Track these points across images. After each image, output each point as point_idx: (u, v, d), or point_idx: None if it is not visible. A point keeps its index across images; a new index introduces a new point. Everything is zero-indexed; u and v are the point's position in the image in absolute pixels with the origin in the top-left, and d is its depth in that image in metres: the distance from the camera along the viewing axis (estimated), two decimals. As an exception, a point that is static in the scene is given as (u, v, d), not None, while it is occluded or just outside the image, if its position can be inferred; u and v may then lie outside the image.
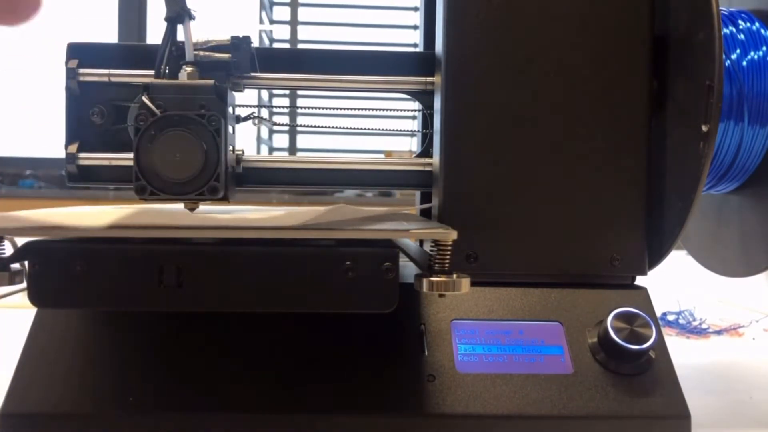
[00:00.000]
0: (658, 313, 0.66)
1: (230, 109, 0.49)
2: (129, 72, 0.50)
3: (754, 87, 0.49)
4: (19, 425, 0.41)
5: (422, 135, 0.55)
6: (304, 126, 0.61)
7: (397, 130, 0.62)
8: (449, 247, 0.40)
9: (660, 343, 0.45)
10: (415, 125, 0.60)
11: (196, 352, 0.44)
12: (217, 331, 0.44)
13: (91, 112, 0.50)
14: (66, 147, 0.50)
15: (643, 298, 0.48)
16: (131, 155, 0.45)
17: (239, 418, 0.42)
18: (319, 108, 0.57)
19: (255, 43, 0.50)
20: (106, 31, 2.63)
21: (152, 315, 0.44)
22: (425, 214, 0.56)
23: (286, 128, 2.70)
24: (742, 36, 0.51)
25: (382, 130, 0.60)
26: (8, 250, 0.41)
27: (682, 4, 0.48)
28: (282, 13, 2.68)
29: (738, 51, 0.50)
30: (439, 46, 0.49)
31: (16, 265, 0.41)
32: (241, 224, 0.38)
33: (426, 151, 0.54)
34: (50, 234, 0.39)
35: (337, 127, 0.59)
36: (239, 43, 0.49)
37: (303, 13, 2.67)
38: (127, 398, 0.42)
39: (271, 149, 2.68)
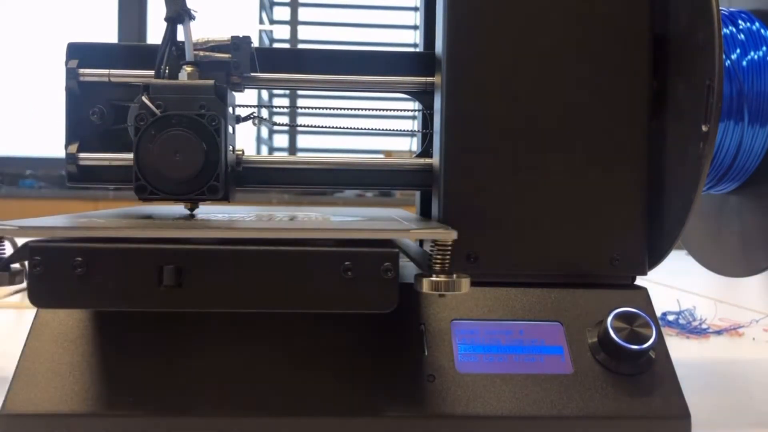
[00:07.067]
0: (658, 313, 0.66)
1: (230, 109, 0.49)
2: (129, 72, 0.50)
3: (754, 87, 0.49)
4: (19, 425, 0.41)
5: (422, 135, 0.55)
6: (304, 126, 0.61)
7: (397, 130, 0.62)
8: (449, 247, 0.40)
9: (660, 343, 0.45)
10: (415, 125, 0.60)
11: (196, 352, 0.44)
12: (217, 331, 0.44)
13: (91, 112, 0.50)
14: (66, 147, 0.50)
15: (643, 298, 0.48)
16: (131, 155, 0.45)
17: (238, 418, 0.42)
18: (319, 108, 0.57)
19: (255, 43, 0.50)
20: (106, 31, 2.63)
21: (152, 315, 0.44)
22: (425, 214, 0.56)
23: (286, 128, 2.70)
24: (742, 36, 0.51)
25: (382, 130, 0.60)
26: (8, 250, 0.41)
27: (682, 4, 0.47)
28: (282, 13, 2.68)
29: (738, 51, 0.50)
30: (439, 46, 0.49)
31: (16, 265, 0.41)
32: None
33: (426, 151, 0.54)
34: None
35: (337, 127, 0.59)
36: (239, 43, 0.49)
37: (303, 13, 2.67)
38: (127, 398, 0.42)
39: (271, 149, 2.68)
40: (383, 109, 0.59)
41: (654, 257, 0.50)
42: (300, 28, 2.67)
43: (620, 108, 0.48)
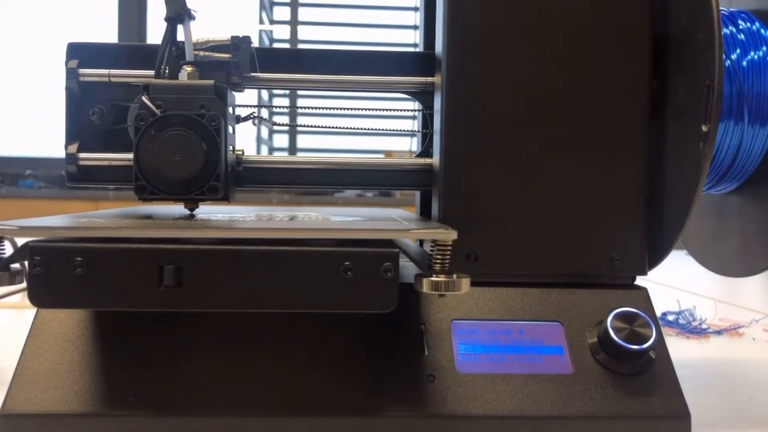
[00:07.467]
0: (658, 313, 0.66)
1: (230, 109, 0.49)
2: (129, 72, 0.50)
3: (754, 87, 0.49)
4: (19, 425, 0.41)
5: (422, 135, 0.55)
6: (304, 126, 0.61)
7: (397, 130, 0.62)
8: (449, 247, 0.40)
9: (660, 343, 0.45)
10: (415, 125, 0.60)
11: (196, 352, 0.44)
12: (217, 331, 0.44)
13: (91, 112, 0.50)
14: (66, 147, 0.50)
15: (643, 298, 0.48)
16: (131, 155, 0.45)
17: (238, 418, 0.42)
18: (319, 108, 0.57)
19: (255, 43, 0.50)
20: (106, 31, 2.63)
21: (152, 315, 0.44)
22: (425, 214, 0.56)
23: (286, 128, 2.70)
24: (742, 36, 0.51)
25: (382, 130, 0.60)
26: (8, 250, 0.41)
27: (682, 4, 0.47)
28: (282, 13, 2.68)
29: (738, 51, 0.50)
30: (439, 46, 0.49)
31: (16, 265, 0.41)
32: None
33: (426, 151, 0.54)
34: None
35: (337, 127, 0.59)
36: (239, 43, 0.49)
37: (303, 13, 2.67)
38: (127, 398, 0.42)
39: (271, 149, 2.68)
40: (383, 109, 0.59)
41: (654, 257, 0.50)
42: (300, 28, 2.67)
43: (620, 108, 0.48)
